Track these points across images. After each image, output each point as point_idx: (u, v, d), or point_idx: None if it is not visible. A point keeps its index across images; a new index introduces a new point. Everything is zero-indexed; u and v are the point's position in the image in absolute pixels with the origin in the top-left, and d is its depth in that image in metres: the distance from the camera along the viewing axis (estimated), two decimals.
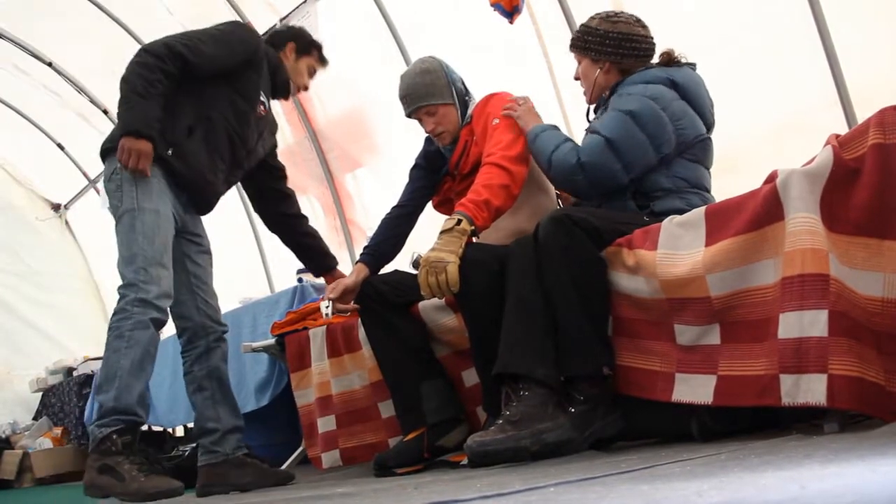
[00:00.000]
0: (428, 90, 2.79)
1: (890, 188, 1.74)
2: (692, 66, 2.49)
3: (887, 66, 3.23)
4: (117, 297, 2.68)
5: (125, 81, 2.65)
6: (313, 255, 3.26)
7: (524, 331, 2.22)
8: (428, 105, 2.80)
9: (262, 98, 3.01)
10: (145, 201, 2.69)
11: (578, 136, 2.55)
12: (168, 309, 2.72)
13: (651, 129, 2.32)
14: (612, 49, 2.48)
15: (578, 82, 2.61)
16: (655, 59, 2.51)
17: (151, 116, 2.62)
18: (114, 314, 2.65)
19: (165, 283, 2.68)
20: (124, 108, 2.64)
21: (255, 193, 3.25)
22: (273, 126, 3.20)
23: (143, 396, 2.58)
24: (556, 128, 2.54)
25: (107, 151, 2.83)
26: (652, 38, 2.52)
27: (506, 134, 2.61)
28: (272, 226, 3.29)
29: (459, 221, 2.39)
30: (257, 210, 3.31)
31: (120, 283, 2.70)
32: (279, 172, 3.25)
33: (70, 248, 8.37)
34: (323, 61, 3.22)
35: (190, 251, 2.94)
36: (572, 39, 2.59)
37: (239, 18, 5.33)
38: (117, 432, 2.50)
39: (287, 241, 3.28)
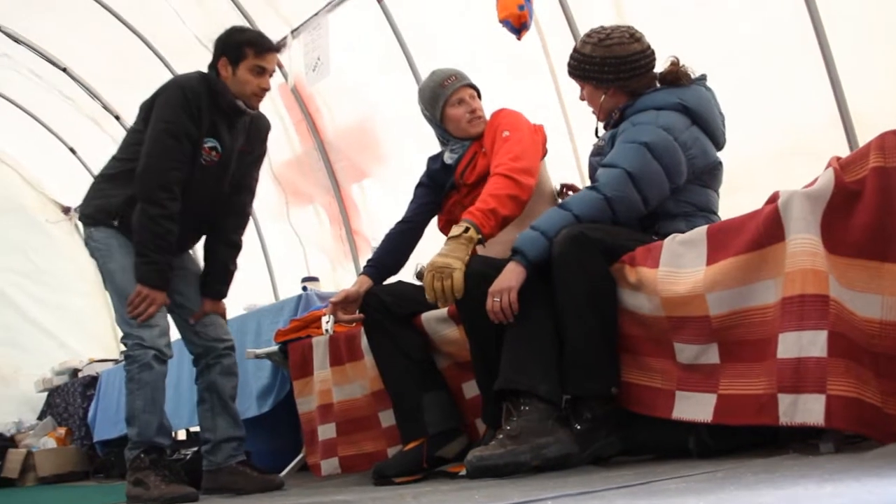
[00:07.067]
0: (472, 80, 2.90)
1: (890, 211, 1.74)
2: (701, 79, 2.44)
3: (889, 90, 3.23)
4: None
5: (137, 232, 2.88)
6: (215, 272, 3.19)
7: (528, 346, 2.21)
8: (475, 87, 2.88)
9: (210, 144, 2.95)
10: (109, 262, 2.98)
11: (583, 152, 2.53)
12: (167, 343, 2.94)
13: (666, 160, 2.28)
14: (613, 75, 2.43)
15: (584, 102, 2.58)
16: (660, 68, 2.45)
17: (165, 269, 2.90)
18: (123, 360, 3.00)
19: (156, 327, 2.90)
20: (140, 259, 2.87)
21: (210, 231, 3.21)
22: (246, 158, 3.12)
23: (161, 426, 2.92)
24: (539, 227, 2.28)
25: (81, 217, 3.12)
26: (649, 47, 2.46)
27: (515, 146, 2.61)
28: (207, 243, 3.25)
29: (467, 229, 2.38)
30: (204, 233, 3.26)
31: None
32: (242, 221, 3.22)
33: (79, 250, 8.32)
34: (260, 50, 2.93)
35: (177, 286, 3.07)
36: (570, 67, 2.53)
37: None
38: (145, 452, 2.87)
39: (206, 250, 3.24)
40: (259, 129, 3.16)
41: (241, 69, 2.93)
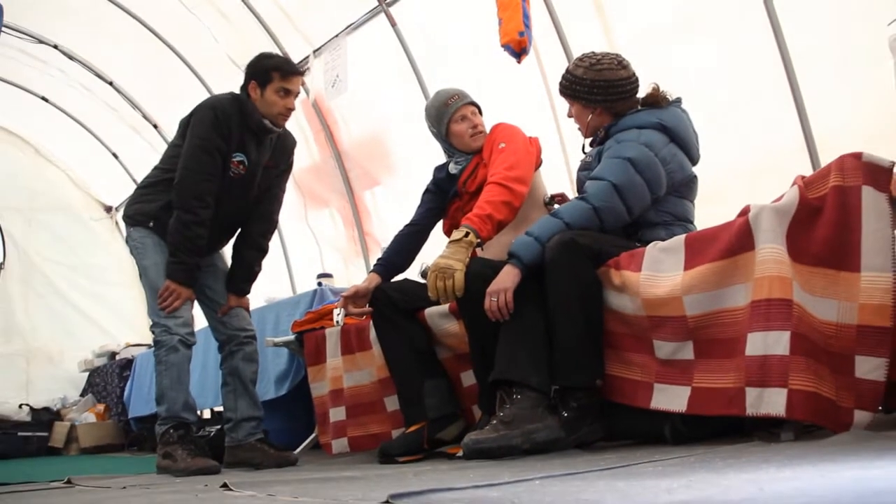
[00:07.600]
0: (474, 97, 2.90)
1: (847, 225, 1.75)
2: (677, 102, 2.45)
3: (848, 117, 3.23)
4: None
5: (171, 235, 2.94)
6: (241, 271, 3.20)
7: (521, 341, 2.21)
8: (476, 104, 2.87)
9: (238, 158, 2.96)
10: (144, 259, 3.04)
11: (574, 163, 2.52)
12: (189, 332, 2.99)
13: (648, 174, 2.29)
14: (602, 97, 2.43)
15: (572, 119, 2.58)
16: (642, 93, 2.45)
17: (192, 269, 2.96)
18: (153, 346, 3.07)
19: (181, 317, 2.96)
20: (173, 259, 2.93)
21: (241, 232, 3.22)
22: (271, 172, 3.12)
23: (187, 403, 2.96)
24: (533, 233, 2.28)
25: (124, 217, 3.15)
26: (634, 74, 2.46)
27: (510, 157, 2.62)
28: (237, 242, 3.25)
29: (467, 234, 2.39)
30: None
31: None
32: (269, 228, 3.22)
33: (118, 245, 8.38)
34: (285, 74, 2.94)
35: (206, 280, 3.14)
36: (561, 86, 2.52)
37: (277, 50, 5.36)
38: (173, 427, 2.92)
39: (235, 251, 3.24)
40: (285, 146, 3.18)
41: (268, 91, 2.94)
